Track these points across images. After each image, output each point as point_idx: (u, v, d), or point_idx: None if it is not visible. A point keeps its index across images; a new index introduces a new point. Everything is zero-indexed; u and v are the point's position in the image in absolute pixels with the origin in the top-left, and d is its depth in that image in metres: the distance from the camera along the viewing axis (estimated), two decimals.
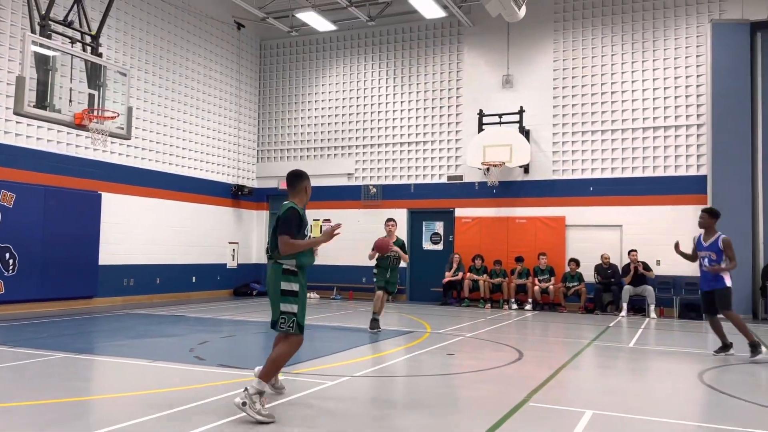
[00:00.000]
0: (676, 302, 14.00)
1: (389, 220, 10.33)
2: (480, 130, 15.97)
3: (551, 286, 14.81)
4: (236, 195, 17.95)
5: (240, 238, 18.25)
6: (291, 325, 4.80)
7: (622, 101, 15.19)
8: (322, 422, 4.72)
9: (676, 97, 14.73)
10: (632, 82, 15.13)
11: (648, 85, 14.99)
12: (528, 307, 14.83)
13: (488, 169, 15.50)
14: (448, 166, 16.84)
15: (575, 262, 14.80)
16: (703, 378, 6.81)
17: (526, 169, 15.78)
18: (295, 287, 4.83)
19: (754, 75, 13.93)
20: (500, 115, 15.85)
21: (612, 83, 15.32)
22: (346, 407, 5.24)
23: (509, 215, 15.93)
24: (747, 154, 13.74)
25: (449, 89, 16.98)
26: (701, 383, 6.58)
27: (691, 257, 8.70)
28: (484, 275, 15.43)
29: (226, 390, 5.56)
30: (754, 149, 13.81)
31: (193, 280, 16.38)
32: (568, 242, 15.37)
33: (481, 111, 16.12)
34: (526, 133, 15.60)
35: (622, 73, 15.25)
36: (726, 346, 8.43)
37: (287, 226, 4.86)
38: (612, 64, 15.36)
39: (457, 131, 16.79)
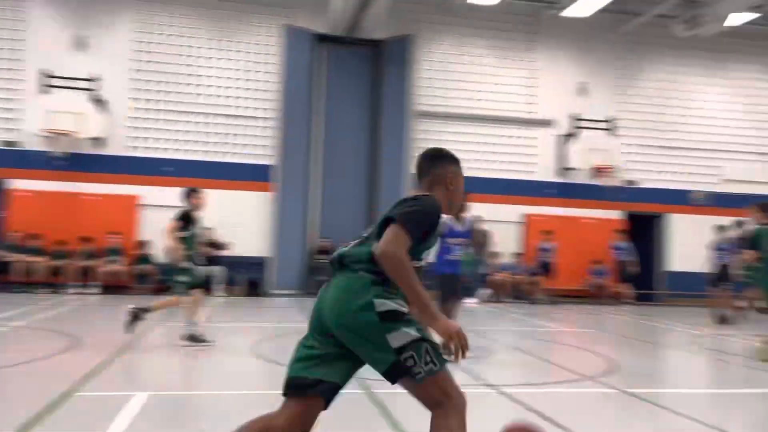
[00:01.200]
0: (243, 281, 15.05)
1: (193, 190, 7.92)
2: (45, 92, 14.08)
3: (121, 268, 14.14)
4: None
5: None
6: (430, 358, 2.56)
7: (204, 86, 15.41)
8: None
9: (249, 90, 15.68)
10: (213, 68, 15.51)
11: (228, 74, 15.58)
12: (95, 290, 13.84)
13: (56, 138, 13.81)
14: (6, 128, 14.38)
15: (146, 243, 14.45)
16: (257, 350, 7.47)
17: (99, 142, 14.63)
18: (402, 303, 2.64)
19: (313, 78, 15.93)
20: (72, 79, 14.29)
21: (195, 67, 15.39)
22: None
23: (78, 191, 14.49)
24: (304, 147, 15.67)
25: (5, 39, 14.45)
26: (254, 356, 7.20)
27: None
28: (45, 256, 13.73)
29: None
30: (309, 143, 15.83)
31: None
32: (143, 222, 14.88)
33: (47, 71, 14.19)
34: (101, 104, 14.45)
35: (205, 58, 15.47)
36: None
37: (414, 218, 2.66)
38: (194, 48, 15.42)
39: (16, 89, 14.43)
